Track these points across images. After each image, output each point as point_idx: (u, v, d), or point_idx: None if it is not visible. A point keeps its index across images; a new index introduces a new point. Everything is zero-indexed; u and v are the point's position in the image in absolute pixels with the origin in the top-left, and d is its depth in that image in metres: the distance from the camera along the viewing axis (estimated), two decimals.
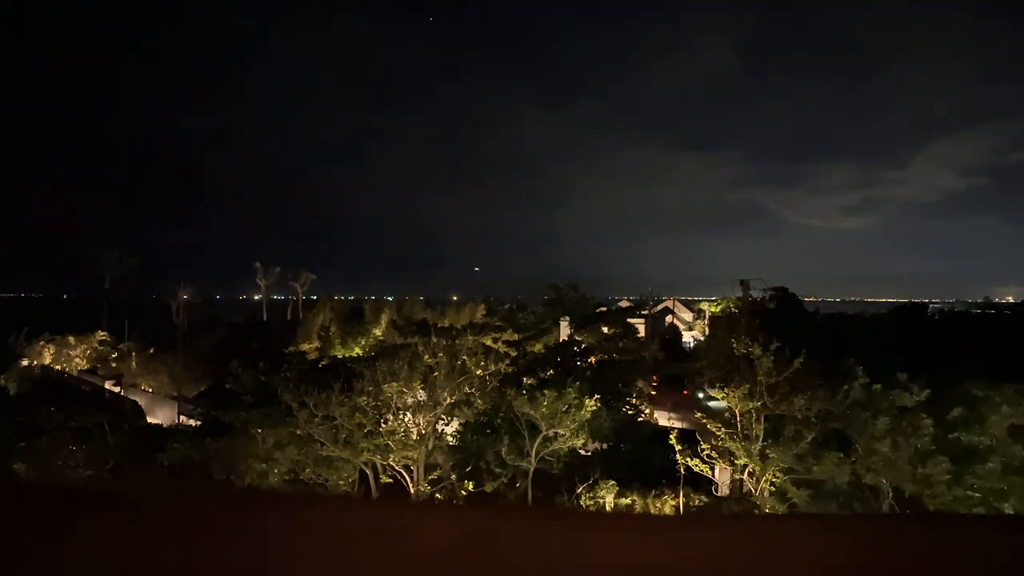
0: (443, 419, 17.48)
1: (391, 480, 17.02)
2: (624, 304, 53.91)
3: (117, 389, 33.46)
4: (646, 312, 45.78)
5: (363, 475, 16.66)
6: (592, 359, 25.34)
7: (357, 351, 36.08)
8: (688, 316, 64.80)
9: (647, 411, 24.99)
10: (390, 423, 16.35)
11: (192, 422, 22.50)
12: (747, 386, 15.83)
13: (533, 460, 16.34)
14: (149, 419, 26.15)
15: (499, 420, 17.74)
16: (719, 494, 17.07)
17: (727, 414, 16.57)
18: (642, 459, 18.58)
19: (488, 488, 16.43)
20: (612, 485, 16.53)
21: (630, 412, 21.39)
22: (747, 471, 16.25)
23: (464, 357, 17.71)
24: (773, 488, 15.68)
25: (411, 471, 16.50)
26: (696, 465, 16.40)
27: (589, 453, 18.82)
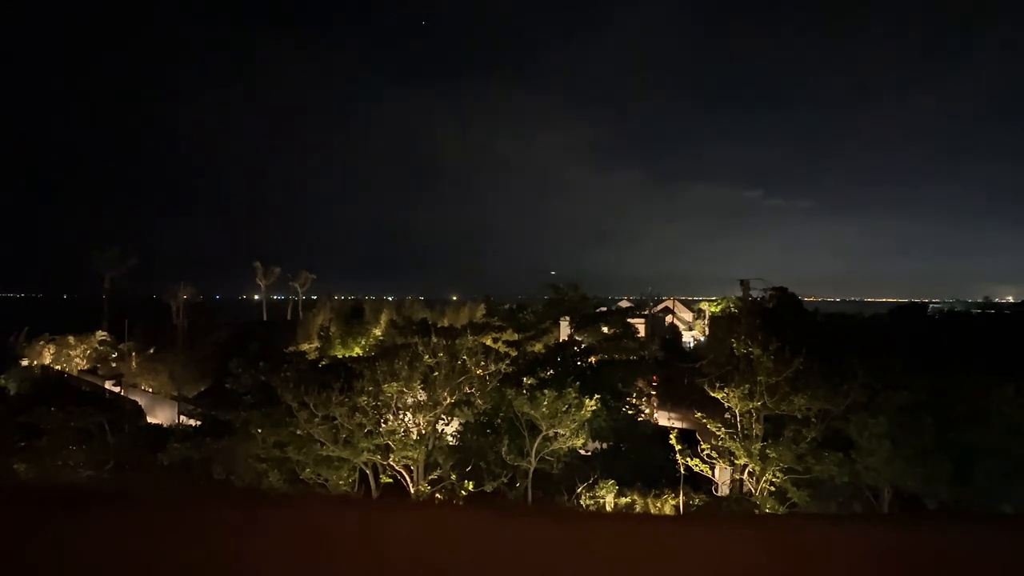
0: (443, 419, 17.48)
1: (391, 480, 17.02)
2: (624, 304, 53.94)
3: (117, 389, 33.43)
4: (646, 312, 45.81)
5: (363, 475, 16.66)
6: (592, 359, 25.33)
7: (357, 351, 36.08)
8: (688, 316, 64.78)
9: (647, 411, 24.98)
10: (390, 423, 16.35)
11: (192, 422, 22.50)
12: (747, 386, 15.83)
13: (533, 460, 16.34)
14: (149, 419, 26.15)
15: (499, 420, 17.74)
16: (719, 494, 17.08)
17: (727, 414, 16.57)
18: (642, 459, 18.58)
19: (488, 488, 16.41)
20: (612, 485, 16.53)
21: (630, 412, 21.38)
22: (747, 471, 16.26)
23: (464, 357, 17.70)
24: (773, 488, 15.69)
25: (411, 471, 16.50)
26: (696, 465, 16.40)
27: (589, 453, 18.82)
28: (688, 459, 16.38)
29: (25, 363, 37.57)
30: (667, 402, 27.55)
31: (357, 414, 15.52)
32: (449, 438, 18.14)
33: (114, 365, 38.83)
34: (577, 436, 16.37)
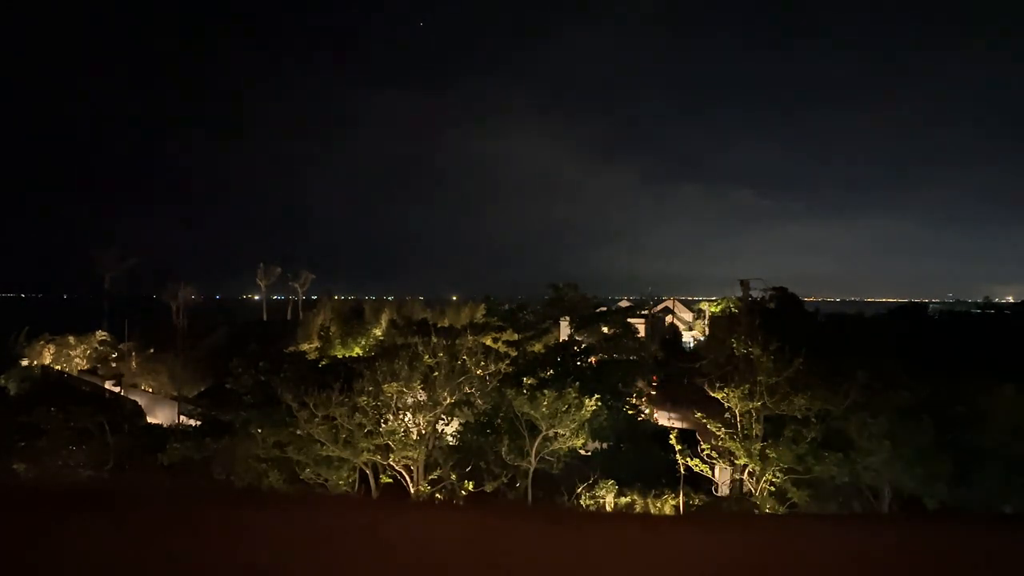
0: (443, 419, 17.47)
1: (391, 480, 17.02)
2: (624, 304, 53.98)
3: (117, 389, 33.44)
4: (646, 312, 45.88)
5: (363, 475, 16.67)
6: (592, 359, 25.34)
7: (357, 351, 36.10)
8: (688, 316, 64.77)
9: (647, 411, 24.98)
10: (390, 423, 16.35)
11: (192, 422, 22.50)
12: (747, 386, 15.83)
13: (533, 460, 16.34)
14: (149, 419, 26.13)
15: (499, 420, 17.74)
16: (719, 494, 17.08)
17: (727, 414, 16.56)
18: (642, 459, 18.58)
19: (488, 488, 16.42)
20: (612, 485, 16.53)
21: (630, 412, 21.39)
22: (747, 471, 16.25)
23: (464, 357, 17.70)
24: (773, 488, 15.68)
25: (411, 471, 16.50)
26: (696, 465, 16.40)
27: (589, 453, 18.82)
28: (688, 459, 16.38)
29: (25, 363, 37.54)
30: (667, 402, 27.55)
31: (357, 414, 15.52)
32: (449, 438, 18.15)
33: (114, 365, 38.82)
34: (577, 436, 16.37)
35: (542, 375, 19.60)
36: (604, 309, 41.90)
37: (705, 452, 16.44)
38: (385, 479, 17.04)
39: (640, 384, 25.86)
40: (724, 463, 16.74)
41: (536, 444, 16.24)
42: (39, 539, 1.11)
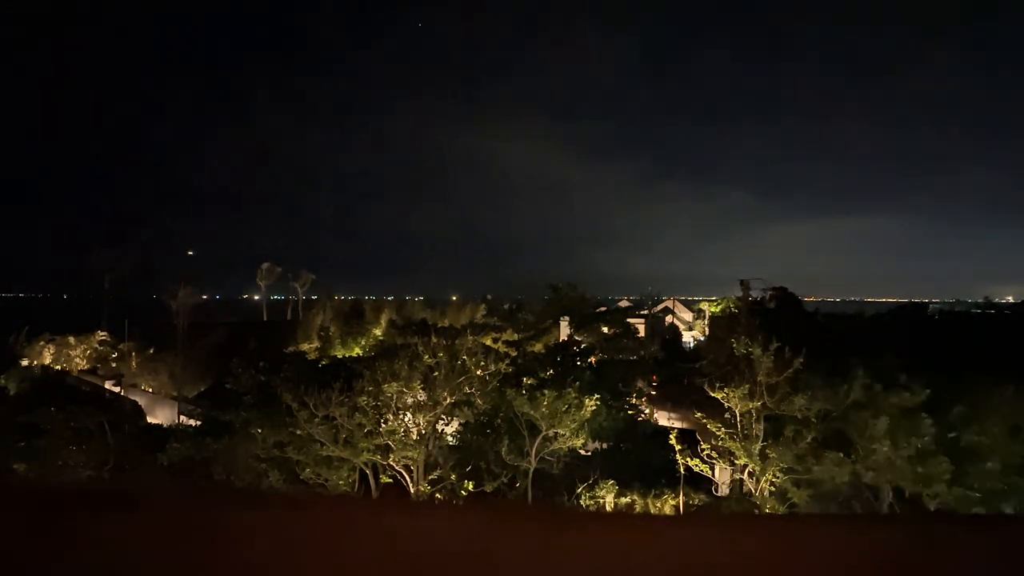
0: (443, 419, 17.48)
1: (391, 480, 17.03)
2: (624, 304, 54.07)
3: (117, 389, 33.41)
4: (646, 312, 45.92)
5: (363, 475, 16.67)
6: (592, 359, 25.35)
7: (357, 351, 36.12)
8: (688, 316, 64.82)
9: (647, 411, 25.00)
10: (390, 423, 16.36)
11: (192, 422, 22.51)
12: (747, 386, 15.83)
13: (533, 460, 16.35)
14: (149, 419, 26.12)
15: (499, 420, 17.75)
16: (719, 494, 17.09)
17: (727, 414, 16.58)
18: (642, 459, 18.59)
19: (488, 488, 16.43)
20: (612, 485, 16.54)
21: (630, 412, 21.39)
22: (747, 471, 16.26)
23: (464, 357, 17.70)
24: (773, 488, 15.69)
25: (411, 471, 16.51)
26: (696, 465, 16.41)
27: (589, 453, 18.83)
28: (688, 459, 16.38)
29: (25, 363, 37.53)
30: (667, 402, 27.55)
31: (357, 414, 15.53)
32: (449, 438, 18.15)
33: (114, 365, 38.81)
34: (577, 436, 16.38)
35: (542, 375, 19.61)
36: (604, 309, 41.95)
37: (705, 452, 16.45)
38: (385, 479, 17.04)
39: (640, 384, 25.87)
40: (724, 463, 16.75)
41: (536, 444, 16.25)
42: (39, 540, 1.11)
